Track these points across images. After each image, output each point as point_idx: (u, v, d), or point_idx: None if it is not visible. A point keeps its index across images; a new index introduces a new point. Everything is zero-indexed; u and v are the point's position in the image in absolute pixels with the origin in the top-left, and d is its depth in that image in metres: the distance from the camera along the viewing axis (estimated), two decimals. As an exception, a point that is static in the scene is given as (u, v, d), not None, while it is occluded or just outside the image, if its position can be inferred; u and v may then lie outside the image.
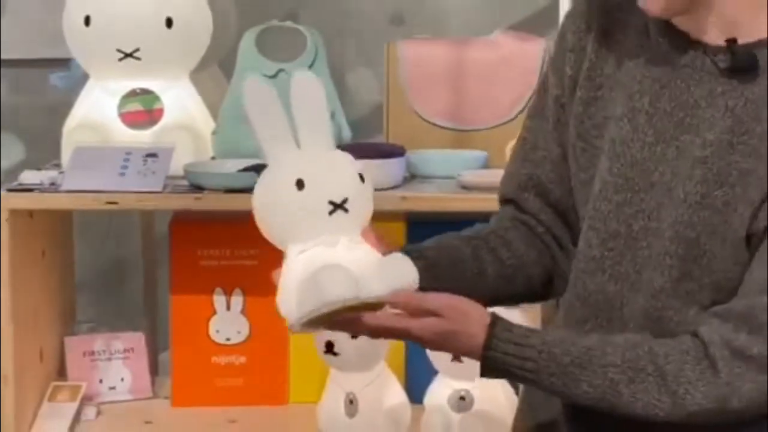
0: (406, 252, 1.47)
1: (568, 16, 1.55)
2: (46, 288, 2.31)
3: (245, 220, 2.17)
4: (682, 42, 1.43)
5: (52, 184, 2.14)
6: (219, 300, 2.29)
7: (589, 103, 1.50)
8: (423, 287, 1.46)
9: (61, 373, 2.37)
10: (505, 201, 1.61)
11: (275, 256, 2.21)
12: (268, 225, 1.45)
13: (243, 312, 2.29)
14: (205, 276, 2.28)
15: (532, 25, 2.56)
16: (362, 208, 1.46)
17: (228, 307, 2.29)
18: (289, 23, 2.27)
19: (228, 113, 2.25)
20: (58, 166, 2.26)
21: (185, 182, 2.13)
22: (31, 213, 2.18)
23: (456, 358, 2.03)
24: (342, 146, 2.08)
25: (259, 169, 2.00)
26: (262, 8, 2.44)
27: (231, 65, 2.28)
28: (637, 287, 1.43)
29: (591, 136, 1.49)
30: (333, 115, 2.14)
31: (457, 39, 2.33)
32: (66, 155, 2.21)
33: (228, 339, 2.29)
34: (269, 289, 2.20)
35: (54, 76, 2.53)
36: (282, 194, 1.41)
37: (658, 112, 1.43)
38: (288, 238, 1.42)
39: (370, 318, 1.43)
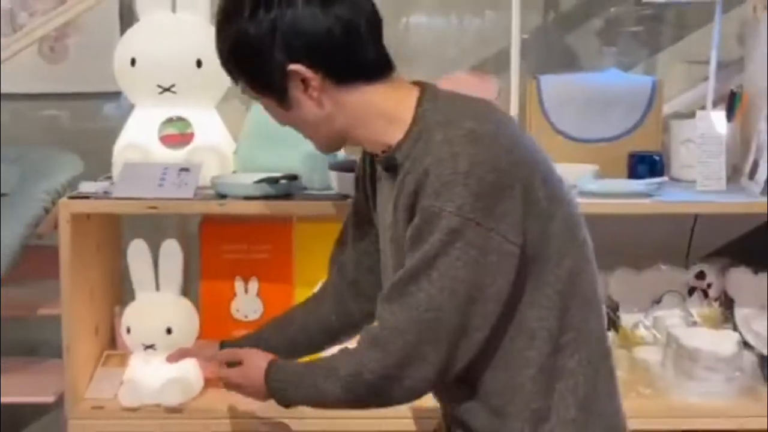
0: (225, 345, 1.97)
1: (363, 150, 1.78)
2: (99, 275, 2.42)
3: (260, 221, 2.37)
4: (375, 160, 1.69)
5: (105, 192, 2.25)
6: (239, 285, 2.40)
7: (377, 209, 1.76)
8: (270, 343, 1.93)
9: (112, 344, 2.50)
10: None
11: (284, 251, 2.38)
12: None
13: (258, 295, 2.41)
14: (228, 266, 2.39)
15: (487, 66, 2.73)
16: (184, 333, 2.20)
17: (246, 291, 2.41)
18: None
19: (246, 136, 2.39)
20: (109, 178, 2.38)
21: (212, 191, 2.23)
22: (88, 216, 2.29)
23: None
24: (336, 161, 2.24)
25: (270, 181, 2.19)
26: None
27: (249, 98, 2.28)
28: None
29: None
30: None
31: (424, 77, 2.39)
32: (116, 170, 2.32)
33: (246, 317, 2.41)
34: (279, 276, 2.39)
35: (107, 106, 2.79)
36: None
37: (386, 209, 1.67)
38: None
39: (207, 370, 2.14)
